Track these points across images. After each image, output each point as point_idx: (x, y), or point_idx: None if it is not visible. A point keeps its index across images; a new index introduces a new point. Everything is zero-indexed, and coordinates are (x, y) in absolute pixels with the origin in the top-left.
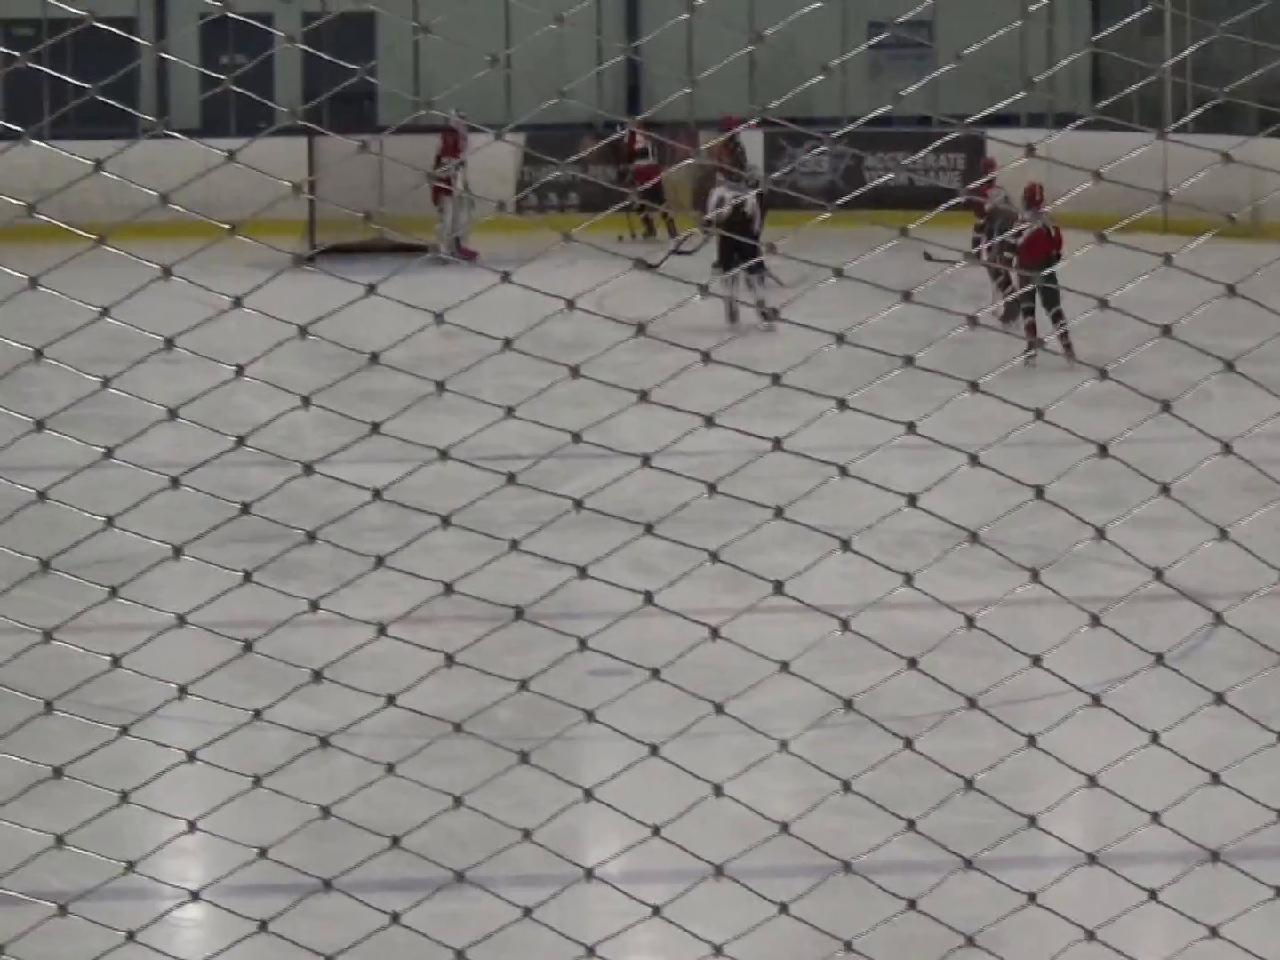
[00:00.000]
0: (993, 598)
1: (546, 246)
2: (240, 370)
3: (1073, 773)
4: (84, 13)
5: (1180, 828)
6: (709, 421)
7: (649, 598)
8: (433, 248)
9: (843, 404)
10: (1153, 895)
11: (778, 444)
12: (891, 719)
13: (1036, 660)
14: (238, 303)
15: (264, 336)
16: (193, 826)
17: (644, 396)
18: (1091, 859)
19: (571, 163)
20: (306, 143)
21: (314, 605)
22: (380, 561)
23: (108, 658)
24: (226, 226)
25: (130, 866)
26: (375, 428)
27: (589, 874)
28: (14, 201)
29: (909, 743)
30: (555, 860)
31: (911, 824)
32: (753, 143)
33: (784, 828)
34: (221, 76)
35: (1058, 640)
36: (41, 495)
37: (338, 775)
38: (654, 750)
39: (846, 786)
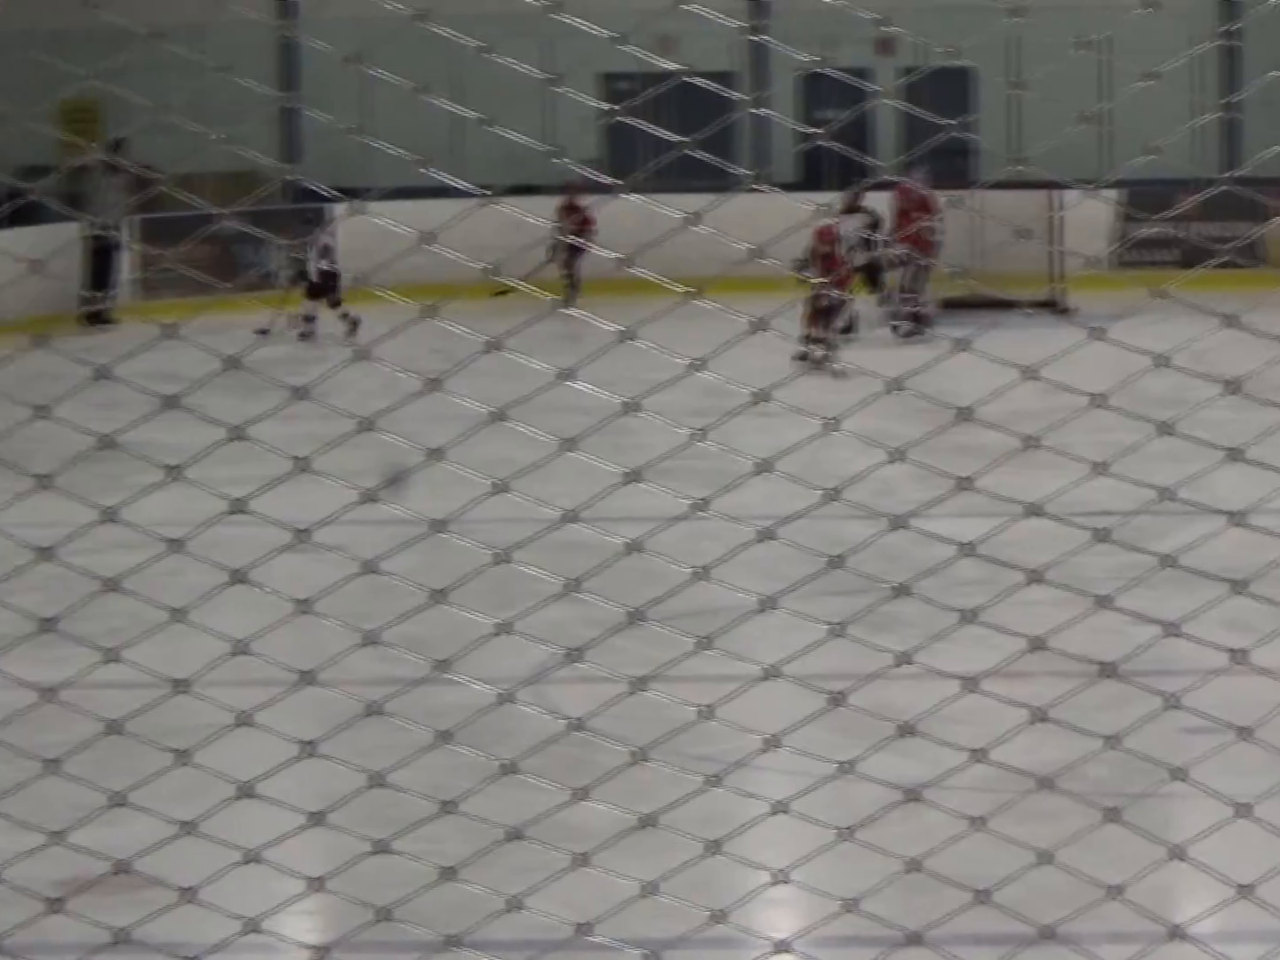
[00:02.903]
0: None
1: (1141, 303)
2: (833, 423)
3: None
4: (683, 67)
5: None
6: None
7: (1241, 656)
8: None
9: None
10: None
11: None
12: None
13: None
14: (826, 358)
15: (859, 390)
16: (782, 878)
17: (1237, 454)
18: None
19: (1168, 218)
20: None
21: (905, 659)
22: (971, 616)
23: (699, 708)
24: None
25: (720, 916)
26: (967, 482)
27: (1177, 932)
28: (610, 254)
29: None
30: (1144, 919)
31: None
32: None
33: None
34: (817, 130)
35: None
36: (633, 547)
37: (931, 829)
38: (1246, 810)
39: None
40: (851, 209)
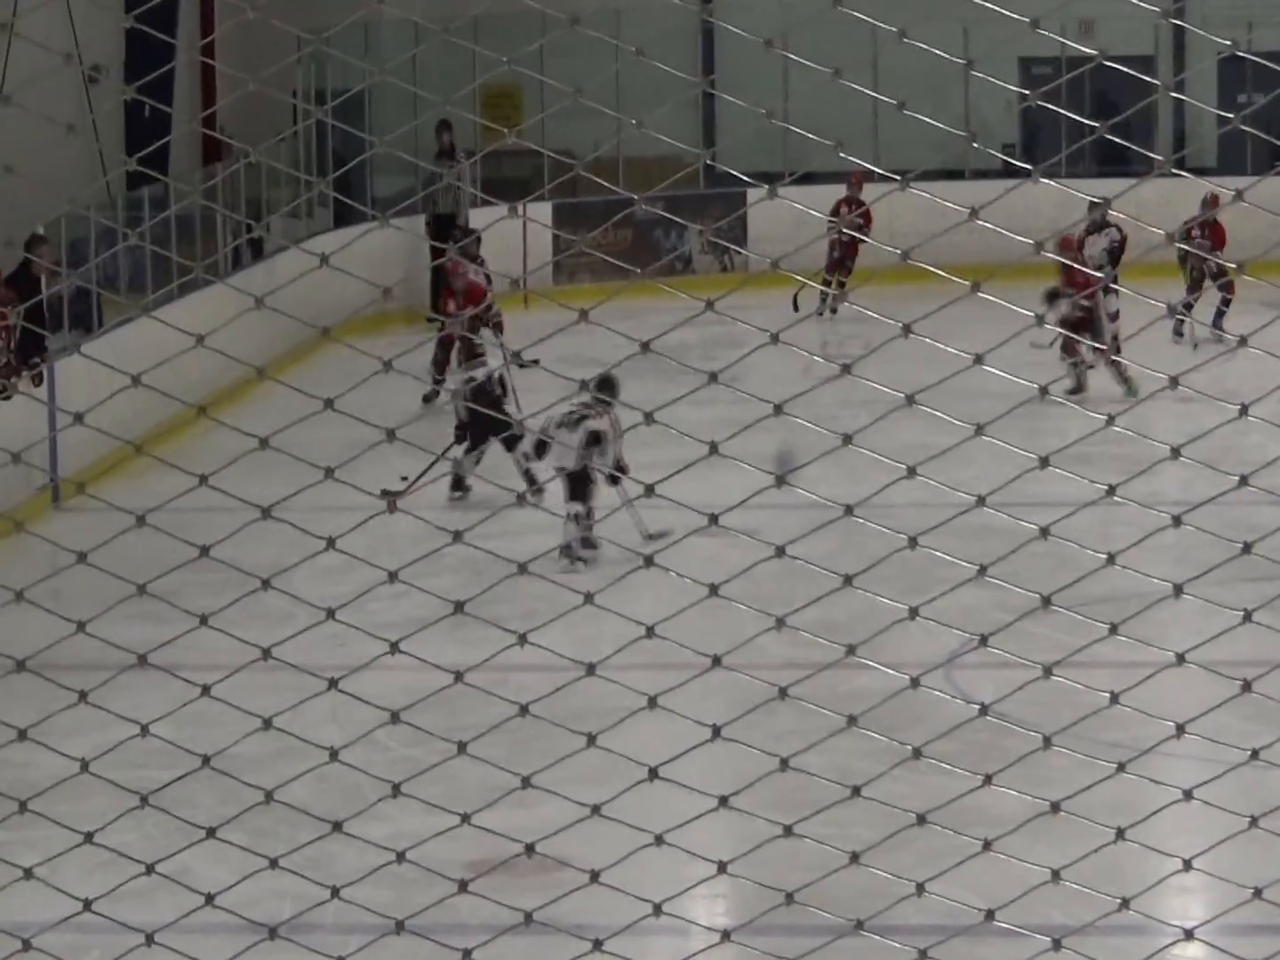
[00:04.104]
0: None
1: None
2: (1244, 410)
3: None
4: (1097, 52)
5: None
6: None
7: None
8: None
9: None
10: None
11: None
12: None
13: None
14: (1243, 341)
15: (1277, 375)
16: (1188, 865)
17: None
18: None
19: None
20: None
21: None
22: None
23: (1109, 694)
24: (1233, 265)
25: (1125, 903)
26: None
27: None
28: (1026, 240)
29: None
30: None
31: None
32: None
33: None
34: (1229, 115)
35: None
36: (1045, 532)
37: None
38: None
39: None
40: (1102, 226)
